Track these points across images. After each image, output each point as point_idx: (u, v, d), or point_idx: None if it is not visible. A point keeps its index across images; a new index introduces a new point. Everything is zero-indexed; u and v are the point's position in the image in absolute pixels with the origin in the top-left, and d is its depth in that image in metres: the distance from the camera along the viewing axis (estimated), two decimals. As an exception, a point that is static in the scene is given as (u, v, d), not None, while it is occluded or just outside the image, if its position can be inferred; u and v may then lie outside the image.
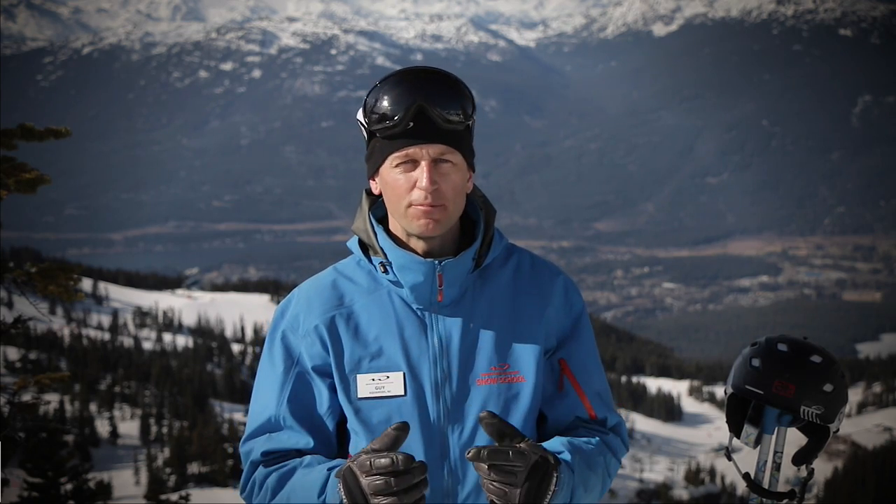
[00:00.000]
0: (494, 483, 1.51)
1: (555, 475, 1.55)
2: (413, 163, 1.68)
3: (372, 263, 1.81)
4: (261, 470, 1.73)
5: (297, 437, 1.73)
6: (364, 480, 1.48)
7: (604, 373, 1.89)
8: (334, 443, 1.79)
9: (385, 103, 1.67)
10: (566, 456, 1.66)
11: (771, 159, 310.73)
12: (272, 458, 1.74)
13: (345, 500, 1.50)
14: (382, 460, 1.47)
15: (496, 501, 1.52)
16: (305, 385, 1.76)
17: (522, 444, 1.53)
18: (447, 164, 1.69)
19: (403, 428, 1.50)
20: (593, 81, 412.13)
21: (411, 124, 1.66)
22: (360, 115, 1.74)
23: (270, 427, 1.75)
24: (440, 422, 1.73)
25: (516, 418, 1.75)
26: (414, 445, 1.72)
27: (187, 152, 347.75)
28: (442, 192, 1.68)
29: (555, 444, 1.70)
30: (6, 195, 4.42)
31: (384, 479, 1.46)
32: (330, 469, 1.64)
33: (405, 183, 1.69)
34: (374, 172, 1.76)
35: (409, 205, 1.69)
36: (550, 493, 1.54)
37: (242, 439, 1.79)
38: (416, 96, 1.65)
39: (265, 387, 1.79)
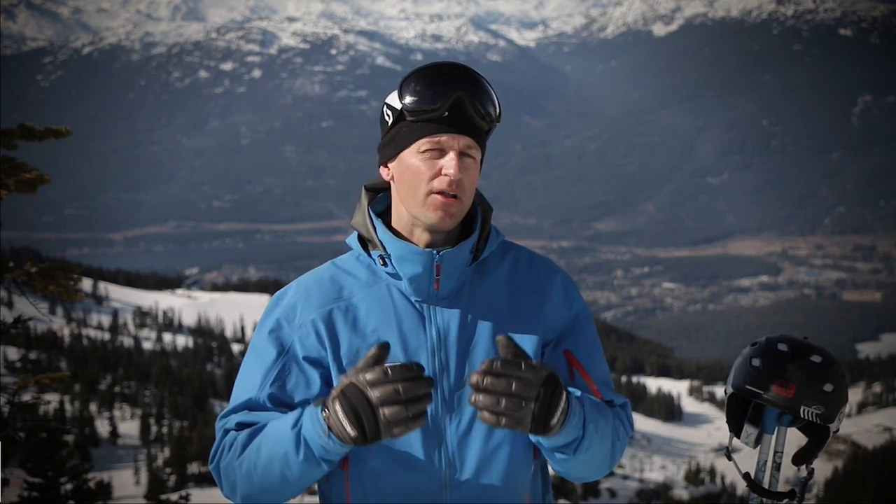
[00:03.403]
0: (510, 397, 1.46)
1: (564, 394, 1.53)
2: (440, 151, 1.70)
3: (371, 257, 1.82)
4: (232, 434, 1.72)
5: (278, 416, 1.70)
6: (372, 392, 1.46)
7: (606, 363, 1.91)
8: None
9: (425, 89, 1.69)
10: (576, 393, 1.66)
11: (771, 159, 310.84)
12: (247, 427, 1.72)
13: (340, 416, 1.47)
14: (398, 369, 1.46)
15: (508, 416, 1.46)
16: (293, 373, 1.75)
17: (533, 362, 1.51)
18: (470, 159, 1.72)
19: (385, 346, 1.51)
20: (593, 81, 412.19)
21: (447, 114, 1.68)
22: (391, 99, 1.75)
23: (249, 407, 1.74)
24: (437, 413, 1.74)
25: None
26: (411, 436, 1.71)
27: (187, 152, 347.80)
28: (463, 184, 1.71)
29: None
30: (6, 195, 4.42)
31: (394, 386, 1.45)
32: (304, 408, 1.61)
33: (429, 170, 1.70)
34: (392, 157, 1.76)
35: (429, 193, 1.71)
36: (560, 409, 1.52)
37: (219, 416, 1.77)
38: (457, 87, 1.68)
39: (250, 371, 1.78)
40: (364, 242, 1.83)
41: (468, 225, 1.85)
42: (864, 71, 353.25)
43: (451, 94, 1.67)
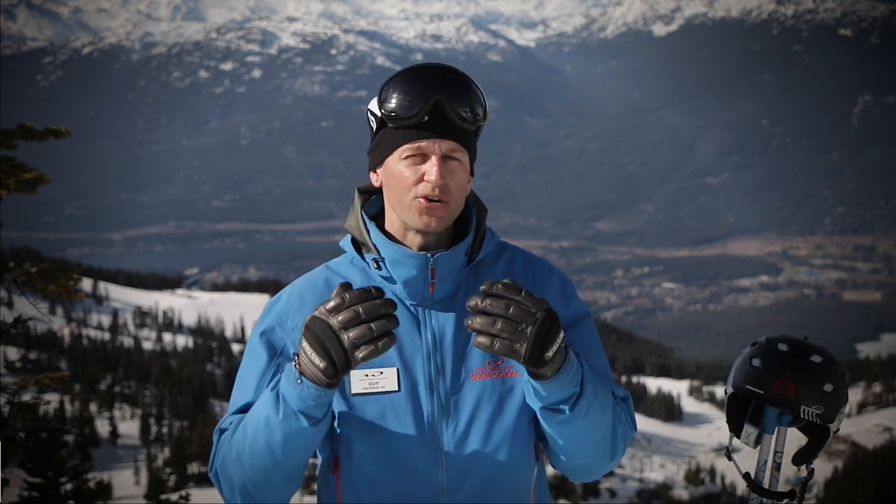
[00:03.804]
0: (506, 320, 1.46)
1: (561, 333, 1.52)
2: (422, 157, 1.68)
3: (365, 261, 1.81)
4: (226, 434, 1.72)
5: None
6: (333, 319, 1.46)
7: (606, 359, 1.89)
8: None
9: (403, 95, 1.67)
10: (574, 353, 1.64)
11: (771, 159, 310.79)
12: None
13: (307, 352, 1.48)
14: (354, 293, 1.47)
15: (504, 340, 1.46)
16: None
17: (536, 295, 1.50)
18: (455, 161, 1.70)
19: (346, 284, 1.50)
20: (593, 81, 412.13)
21: (426, 118, 1.66)
22: (373, 105, 1.73)
23: (246, 411, 1.74)
24: (434, 417, 1.72)
25: (511, 413, 1.74)
26: (408, 441, 1.71)
27: (187, 152, 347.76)
28: (448, 188, 1.69)
29: None
30: (6, 195, 4.42)
31: (353, 308, 1.45)
32: None
33: (412, 175, 1.68)
34: (378, 163, 1.75)
35: (415, 197, 1.69)
36: (557, 344, 1.50)
37: (218, 424, 1.77)
38: (435, 91, 1.66)
39: (246, 377, 1.78)
40: (358, 245, 1.82)
41: (462, 227, 1.84)
42: (864, 71, 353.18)
43: (428, 99, 1.65)
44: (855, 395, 79.83)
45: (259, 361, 1.76)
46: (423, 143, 1.67)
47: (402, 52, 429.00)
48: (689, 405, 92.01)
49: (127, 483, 44.21)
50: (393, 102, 1.68)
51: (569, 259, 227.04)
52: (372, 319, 1.45)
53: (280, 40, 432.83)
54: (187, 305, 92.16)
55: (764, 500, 2.11)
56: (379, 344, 1.46)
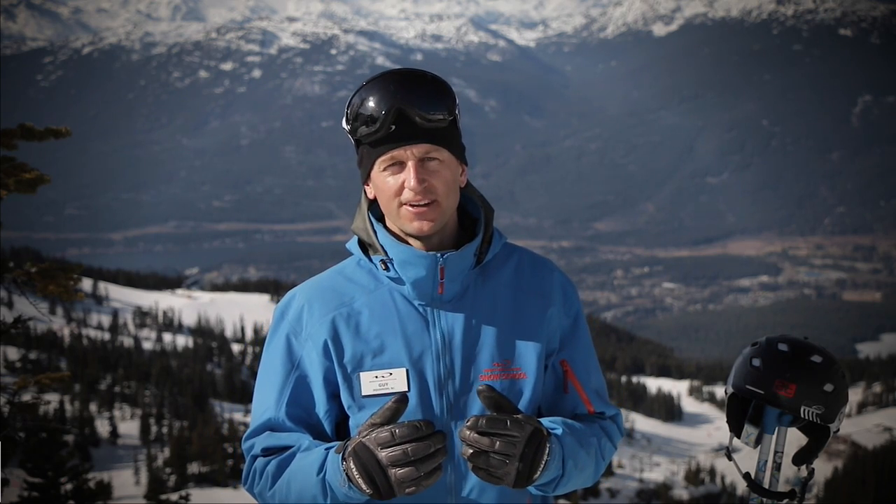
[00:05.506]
0: (489, 455, 1.54)
1: (547, 446, 1.58)
2: (400, 164, 1.69)
3: (372, 262, 1.81)
4: (260, 460, 1.77)
5: (297, 437, 1.76)
6: (381, 453, 1.52)
7: (600, 369, 1.92)
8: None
9: (365, 110, 1.69)
10: (558, 431, 1.68)
11: (771, 159, 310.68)
12: (272, 451, 1.78)
13: (354, 474, 1.55)
14: (405, 429, 1.51)
15: (492, 473, 1.55)
16: (305, 389, 1.78)
17: (519, 416, 1.57)
18: (434, 161, 1.70)
19: (403, 399, 1.55)
20: (593, 81, 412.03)
21: (393, 127, 1.66)
22: (343, 124, 1.76)
23: (270, 427, 1.79)
24: (443, 417, 1.73)
25: None
26: None
27: (187, 152, 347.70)
28: (432, 188, 1.70)
29: (549, 421, 1.73)
30: (6, 195, 4.42)
31: (402, 448, 1.51)
32: (328, 449, 1.67)
33: (394, 185, 1.70)
34: (366, 178, 1.78)
35: (401, 205, 1.71)
36: (542, 465, 1.58)
37: (244, 436, 1.83)
38: (394, 100, 1.66)
39: (266, 388, 1.81)
40: (364, 247, 1.83)
41: (469, 226, 1.85)
42: (864, 71, 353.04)
43: (388, 110, 1.66)
44: (855, 395, 79.79)
45: (276, 375, 1.79)
46: (396, 153, 1.69)
47: (402, 52, 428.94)
48: (689, 405, 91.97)
49: (127, 483, 44.17)
50: (356, 121, 1.71)
51: (569, 259, 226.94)
52: (420, 460, 1.51)
53: (280, 40, 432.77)
54: (187, 305, 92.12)
55: (764, 500, 2.11)
56: (424, 483, 1.53)
